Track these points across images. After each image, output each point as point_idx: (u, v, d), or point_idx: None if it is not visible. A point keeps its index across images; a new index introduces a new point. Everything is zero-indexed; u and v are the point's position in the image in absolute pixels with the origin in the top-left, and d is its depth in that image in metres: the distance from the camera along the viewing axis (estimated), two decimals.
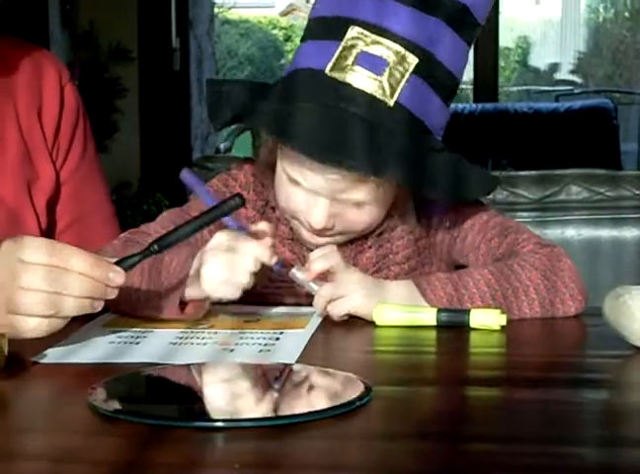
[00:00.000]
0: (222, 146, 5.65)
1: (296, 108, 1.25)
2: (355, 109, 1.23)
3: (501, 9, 5.91)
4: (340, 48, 1.26)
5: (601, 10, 9.42)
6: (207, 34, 6.52)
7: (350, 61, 1.25)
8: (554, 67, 9.21)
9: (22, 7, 4.56)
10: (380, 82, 1.24)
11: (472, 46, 1.34)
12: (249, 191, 1.42)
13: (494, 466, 0.71)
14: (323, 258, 1.25)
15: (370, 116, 1.23)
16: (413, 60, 1.25)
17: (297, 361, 1.01)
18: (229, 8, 9.61)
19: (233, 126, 5.46)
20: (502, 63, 7.54)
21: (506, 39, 8.71)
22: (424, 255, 1.40)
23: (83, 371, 0.99)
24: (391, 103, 1.24)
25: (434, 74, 1.27)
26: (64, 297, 1.02)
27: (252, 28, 10.14)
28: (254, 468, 0.71)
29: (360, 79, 1.24)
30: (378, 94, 1.24)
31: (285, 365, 0.98)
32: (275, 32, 10.41)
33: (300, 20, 10.05)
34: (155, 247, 1.11)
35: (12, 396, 0.92)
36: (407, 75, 1.25)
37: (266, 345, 1.10)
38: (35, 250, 1.03)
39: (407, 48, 1.25)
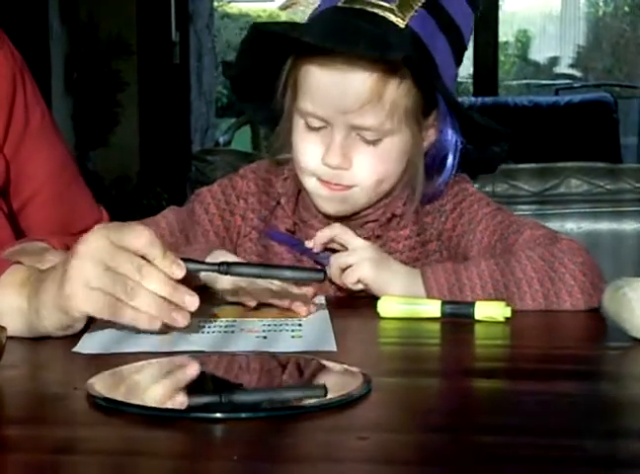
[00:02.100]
0: (222, 139, 5.64)
1: (314, 23, 1.34)
2: (368, 24, 1.29)
3: (501, 3, 5.92)
4: None
5: (601, 4, 9.41)
6: (207, 27, 6.53)
7: None
8: (554, 61, 9.21)
9: (22, 1, 4.55)
10: (392, 9, 1.30)
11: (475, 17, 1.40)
12: (247, 200, 1.43)
13: (496, 458, 0.70)
14: (327, 228, 1.33)
15: (383, 30, 1.28)
16: None
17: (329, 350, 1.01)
18: (229, 2, 9.60)
19: (233, 120, 5.45)
20: (502, 57, 7.55)
21: (506, 32, 8.72)
22: (425, 248, 1.40)
23: (83, 361, 0.99)
24: (402, 25, 1.29)
25: (442, 17, 1.33)
26: (142, 288, 1.02)
27: (251, 21, 10.10)
28: (252, 460, 0.71)
29: (373, 6, 1.30)
30: (390, 17, 1.29)
31: (288, 356, 0.98)
32: None
33: (300, 14, 10.04)
34: (224, 268, 1.10)
35: (10, 387, 0.92)
36: (417, 7, 1.31)
37: (293, 330, 1.12)
38: (135, 238, 1.03)
39: None
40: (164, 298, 1.03)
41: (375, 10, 1.30)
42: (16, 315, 1.07)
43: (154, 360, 0.95)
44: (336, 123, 1.31)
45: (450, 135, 1.36)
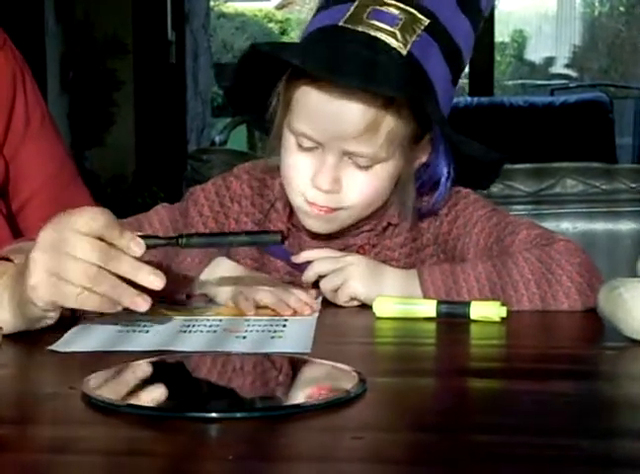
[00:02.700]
0: (217, 139, 5.64)
1: (314, 44, 1.29)
2: (370, 50, 1.25)
3: (497, 2, 5.93)
4: (353, 7, 1.28)
5: (597, 4, 9.42)
6: (203, 27, 6.52)
7: (363, 16, 1.27)
8: (550, 61, 9.21)
9: None
10: (394, 33, 1.26)
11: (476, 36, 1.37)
12: (240, 203, 1.42)
13: (491, 457, 0.70)
14: (313, 252, 1.31)
15: (385, 57, 1.25)
16: (425, 21, 1.28)
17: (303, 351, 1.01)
18: (225, 1, 9.60)
19: (228, 120, 5.44)
20: (497, 57, 7.55)
21: (501, 32, 8.72)
22: (422, 253, 1.39)
23: (79, 361, 0.99)
24: (404, 52, 1.26)
25: (444, 42, 1.29)
26: (106, 274, 1.02)
27: (248, 21, 10.12)
28: (248, 459, 0.71)
29: (375, 29, 1.26)
30: (392, 43, 1.26)
31: (283, 356, 0.98)
32: (270, 25, 10.40)
33: (296, 13, 10.04)
34: (183, 241, 1.10)
35: (3, 387, 0.91)
36: (419, 31, 1.27)
37: (275, 331, 1.11)
38: (90, 220, 1.03)
39: (419, 12, 1.28)
40: (127, 280, 1.04)
41: (378, 34, 1.26)
42: None
43: (148, 360, 0.95)
44: (329, 147, 1.27)
45: (442, 163, 1.35)
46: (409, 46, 1.26)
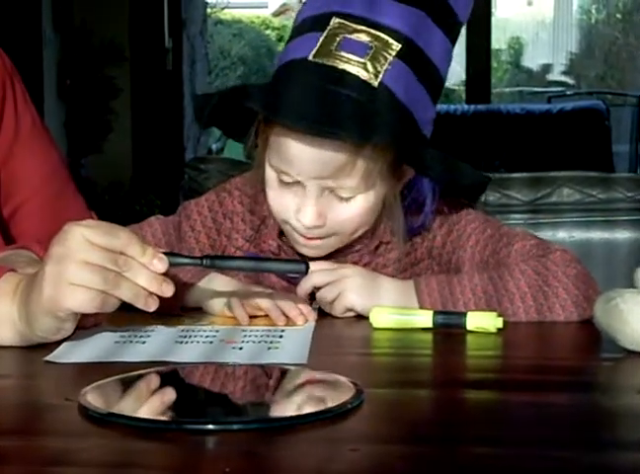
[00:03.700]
0: (214, 147, 5.65)
1: (284, 86, 1.26)
2: (340, 88, 1.23)
3: (493, 10, 5.92)
4: (322, 37, 1.26)
5: (594, 11, 9.44)
6: (200, 34, 6.52)
7: (333, 47, 1.25)
8: (546, 68, 9.23)
9: (14, 7, 4.55)
10: (364, 64, 1.24)
11: (455, 46, 1.34)
12: (232, 219, 1.42)
13: (488, 469, 0.71)
14: (310, 277, 1.28)
15: (355, 93, 1.23)
16: (396, 46, 1.25)
17: (300, 362, 1.01)
18: (222, 8, 9.60)
19: None
20: (494, 64, 7.55)
21: (498, 40, 8.73)
22: (416, 268, 1.39)
23: (75, 372, 0.99)
24: (375, 83, 1.24)
25: (418, 63, 1.27)
26: (123, 278, 1.03)
27: (245, 28, 10.13)
28: (244, 471, 0.71)
29: (344, 62, 1.24)
30: (362, 75, 1.23)
31: (280, 367, 0.98)
32: (267, 32, 10.41)
33: (292, 20, 10.04)
34: (207, 262, 1.10)
35: (3, 397, 0.91)
36: (390, 58, 1.24)
37: (272, 342, 1.11)
38: (99, 231, 1.03)
39: (390, 36, 1.25)
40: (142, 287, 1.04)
41: (347, 67, 1.23)
42: (8, 325, 1.07)
43: (146, 371, 0.95)
44: (310, 185, 1.27)
45: (427, 182, 1.34)
46: (380, 77, 1.24)
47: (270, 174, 1.32)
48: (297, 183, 1.29)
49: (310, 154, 1.24)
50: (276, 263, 1.21)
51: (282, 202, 1.31)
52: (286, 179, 1.29)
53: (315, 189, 1.27)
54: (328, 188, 1.28)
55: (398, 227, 1.35)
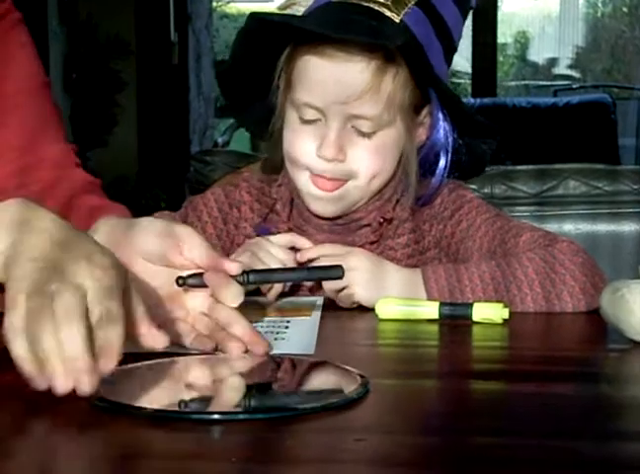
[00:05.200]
0: (220, 140, 5.64)
1: (308, 16, 1.35)
2: (364, 18, 1.29)
3: (500, 4, 5.92)
4: None
5: (600, 5, 9.42)
6: (206, 28, 6.52)
7: None
8: (553, 62, 9.21)
9: (20, 1, 4.55)
10: (387, 4, 1.31)
11: (461, 38, 1.42)
12: (240, 208, 1.43)
13: (494, 460, 0.70)
14: (316, 248, 1.31)
15: (376, 23, 1.29)
16: None
17: (306, 353, 1.01)
18: (228, 2, 9.59)
19: (231, 121, 5.45)
20: (500, 58, 7.55)
21: (504, 33, 8.71)
22: (424, 256, 1.39)
23: None
24: (397, 19, 1.30)
25: (434, 17, 1.33)
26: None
27: None
28: (250, 461, 0.71)
29: (368, 1, 1.31)
30: (385, 12, 1.30)
31: (286, 357, 0.98)
32: None
33: (299, 14, 10.02)
34: (248, 278, 1.07)
35: (7, 390, 0.91)
36: (410, 4, 1.31)
37: (278, 332, 1.11)
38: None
39: None
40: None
41: (370, 4, 1.30)
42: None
43: (153, 362, 0.95)
44: (332, 114, 1.30)
45: (442, 134, 1.37)
46: (401, 16, 1.30)
47: (291, 115, 1.35)
48: (319, 120, 1.32)
49: (336, 73, 1.29)
50: (312, 271, 1.21)
51: (303, 142, 1.34)
52: (308, 114, 1.32)
53: (338, 120, 1.30)
54: (351, 119, 1.30)
55: (411, 187, 1.37)
